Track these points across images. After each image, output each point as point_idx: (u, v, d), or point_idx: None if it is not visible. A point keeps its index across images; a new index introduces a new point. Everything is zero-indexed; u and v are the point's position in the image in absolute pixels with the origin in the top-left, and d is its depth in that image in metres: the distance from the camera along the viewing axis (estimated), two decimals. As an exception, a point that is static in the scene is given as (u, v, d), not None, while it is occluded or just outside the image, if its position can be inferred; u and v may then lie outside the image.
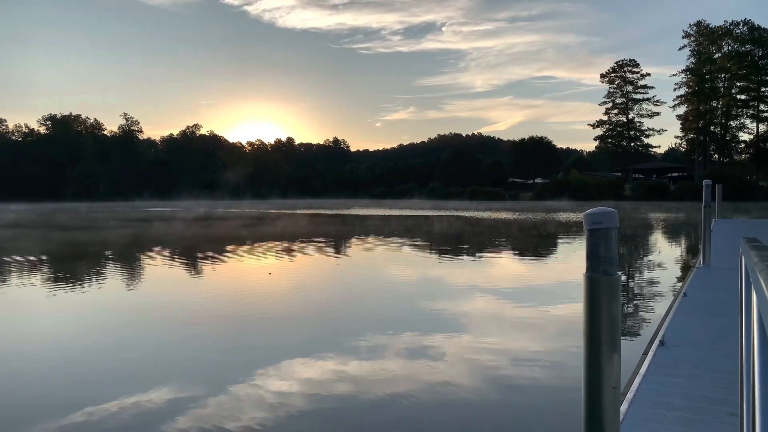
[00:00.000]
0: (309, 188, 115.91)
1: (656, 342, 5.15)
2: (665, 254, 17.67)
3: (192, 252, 18.36)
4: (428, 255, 17.30)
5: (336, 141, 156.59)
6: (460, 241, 21.54)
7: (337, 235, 24.78)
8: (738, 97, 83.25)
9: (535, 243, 21.17)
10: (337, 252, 18.33)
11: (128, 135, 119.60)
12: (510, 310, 8.83)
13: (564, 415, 4.56)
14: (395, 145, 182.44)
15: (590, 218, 2.09)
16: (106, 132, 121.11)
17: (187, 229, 28.83)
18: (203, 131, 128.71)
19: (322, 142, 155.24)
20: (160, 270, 14.48)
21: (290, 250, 18.63)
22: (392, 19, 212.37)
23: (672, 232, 26.60)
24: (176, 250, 18.92)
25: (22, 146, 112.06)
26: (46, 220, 40.68)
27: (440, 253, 17.77)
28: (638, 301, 9.49)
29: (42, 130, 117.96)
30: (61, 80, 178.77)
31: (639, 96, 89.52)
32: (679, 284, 10.02)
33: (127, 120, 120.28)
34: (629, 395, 3.86)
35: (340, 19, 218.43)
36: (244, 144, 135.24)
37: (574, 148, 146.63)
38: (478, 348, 6.56)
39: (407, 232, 25.94)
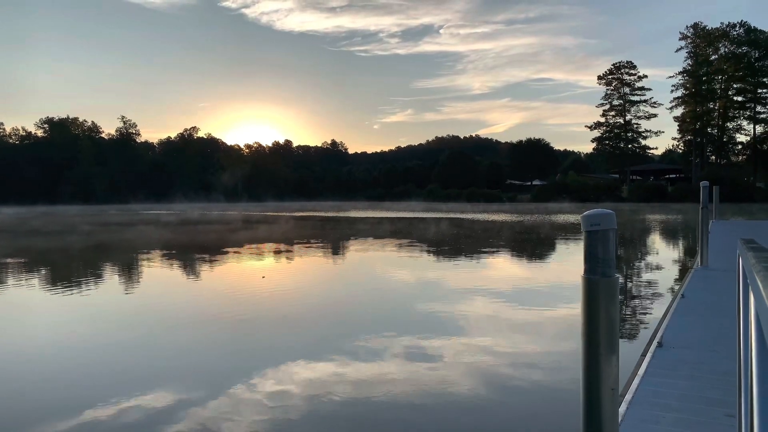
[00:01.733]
0: (306, 190, 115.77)
1: (654, 343, 5.15)
2: (663, 255, 17.70)
3: (162, 257, 18.16)
4: (416, 259, 17.30)
5: (334, 143, 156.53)
6: (452, 244, 21.54)
7: (324, 239, 24.76)
8: (735, 98, 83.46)
9: (532, 245, 21.19)
10: (320, 256, 18.31)
11: (126, 137, 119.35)
12: (508, 313, 8.83)
13: (563, 417, 4.56)
14: (393, 147, 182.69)
15: (588, 220, 2.10)
16: (103, 135, 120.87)
17: (163, 234, 28.33)
18: (201, 134, 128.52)
19: (320, 145, 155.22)
20: (114, 278, 14.39)
21: (269, 255, 18.60)
22: (390, 21, 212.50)
23: (669, 234, 26.64)
24: (137, 257, 18.25)
25: (19, 149, 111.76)
26: (20, 224, 39.61)
27: (431, 256, 17.78)
28: (636, 303, 9.50)
29: (39, 133, 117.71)
30: (58, 83, 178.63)
31: (636, 98, 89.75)
32: (677, 285, 10.03)
33: (124, 123, 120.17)
34: (627, 396, 3.86)
35: (338, 21, 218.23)
36: (242, 146, 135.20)
37: (571, 150, 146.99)
38: (474, 350, 6.56)
39: (397, 235, 25.94)
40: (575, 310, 8.29)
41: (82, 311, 9.61)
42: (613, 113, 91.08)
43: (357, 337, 7.32)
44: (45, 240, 25.87)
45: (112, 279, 13.63)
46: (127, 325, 8.46)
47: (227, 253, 18.82)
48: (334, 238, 25.01)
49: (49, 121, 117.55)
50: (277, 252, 18.99)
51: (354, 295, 10.93)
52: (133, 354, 6.77)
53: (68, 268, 15.96)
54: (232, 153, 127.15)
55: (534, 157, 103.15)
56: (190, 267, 15.85)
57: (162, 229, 32.62)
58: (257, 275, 13.47)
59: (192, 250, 20.00)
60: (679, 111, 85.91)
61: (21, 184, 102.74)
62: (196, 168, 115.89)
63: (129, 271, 15.20)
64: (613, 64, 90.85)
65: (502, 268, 14.88)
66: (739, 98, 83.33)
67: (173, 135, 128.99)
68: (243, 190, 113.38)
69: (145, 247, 21.57)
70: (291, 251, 19.08)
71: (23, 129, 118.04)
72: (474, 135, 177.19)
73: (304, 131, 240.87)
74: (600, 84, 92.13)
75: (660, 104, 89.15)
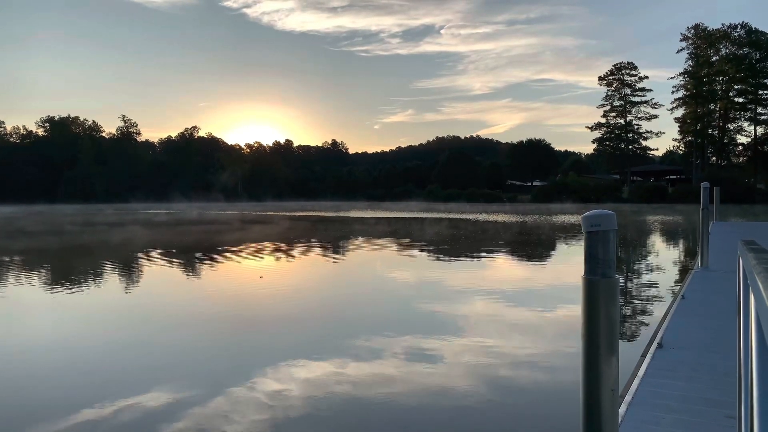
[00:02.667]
0: (307, 190, 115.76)
1: (654, 344, 5.15)
2: (663, 256, 17.69)
3: (142, 259, 17.73)
4: (410, 260, 17.29)
5: (334, 143, 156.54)
6: (447, 245, 21.52)
7: (316, 240, 24.72)
8: (735, 99, 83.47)
9: (532, 246, 21.19)
10: (309, 257, 18.26)
11: (126, 137, 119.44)
12: (507, 314, 8.83)
13: (562, 418, 4.56)
14: (393, 148, 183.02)
15: (588, 221, 2.09)
16: (104, 134, 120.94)
17: (150, 234, 27.83)
18: (201, 133, 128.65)
19: (320, 144, 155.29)
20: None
21: (257, 256, 18.57)
22: (391, 21, 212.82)
23: (670, 235, 26.64)
24: (110, 258, 17.80)
25: (20, 148, 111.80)
26: (6, 224, 38.47)
27: (425, 258, 17.77)
28: (636, 304, 9.50)
29: (40, 132, 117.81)
30: (59, 82, 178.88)
31: (637, 99, 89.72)
32: (677, 286, 10.02)
33: (125, 122, 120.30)
34: (627, 397, 3.86)
35: (339, 21, 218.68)
36: (243, 146, 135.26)
37: (572, 151, 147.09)
38: (471, 350, 6.56)
39: (391, 235, 25.92)
40: (575, 311, 8.29)
41: (47, 314, 9.62)
42: (613, 114, 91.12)
43: (351, 337, 7.31)
44: (23, 241, 24.87)
45: (76, 282, 13.28)
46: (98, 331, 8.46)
47: (211, 253, 18.49)
48: (326, 238, 24.72)
49: (50, 120, 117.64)
50: (263, 253, 18.89)
51: (348, 296, 10.92)
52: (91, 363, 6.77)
53: (33, 270, 15.28)
54: (232, 153, 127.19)
55: (534, 158, 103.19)
56: (168, 269, 15.22)
57: (151, 229, 32.03)
58: (237, 277, 13.46)
59: (175, 251, 19.39)
60: (679, 112, 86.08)
61: (21, 183, 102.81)
62: (196, 167, 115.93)
63: (99, 273, 14.52)
64: (614, 65, 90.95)
65: (500, 269, 14.87)
66: (740, 99, 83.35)
67: (174, 134, 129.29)
68: (243, 190, 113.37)
69: (122, 247, 20.98)
70: (279, 253, 19.05)
71: (24, 128, 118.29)
72: (474, 135, 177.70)
73: (305, 131, 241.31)
74: (601, 85, 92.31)
75: (661, 105, 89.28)
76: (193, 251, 19.32)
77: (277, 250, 19.32)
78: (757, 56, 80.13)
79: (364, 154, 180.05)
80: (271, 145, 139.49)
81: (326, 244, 21.72)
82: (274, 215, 49.01)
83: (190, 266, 15.76)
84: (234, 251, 19.08)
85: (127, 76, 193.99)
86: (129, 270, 15.09)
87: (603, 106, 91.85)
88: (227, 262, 16.35)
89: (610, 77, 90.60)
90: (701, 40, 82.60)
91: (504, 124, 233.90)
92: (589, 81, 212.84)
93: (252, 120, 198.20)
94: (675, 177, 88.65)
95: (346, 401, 4.97)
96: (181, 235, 27.80)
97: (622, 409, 3.63)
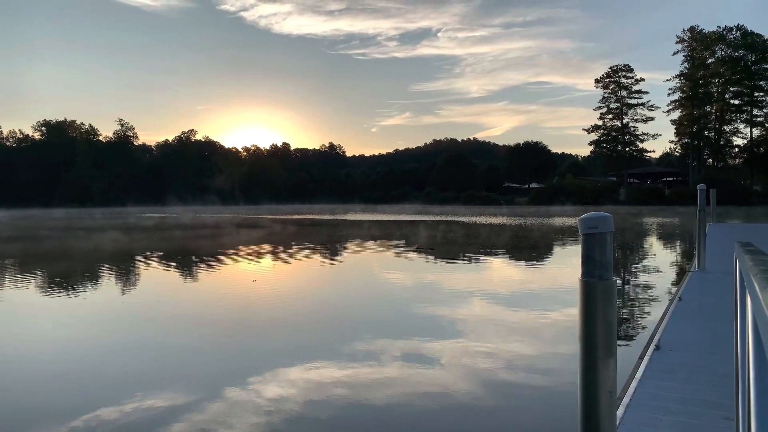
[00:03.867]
0: (304, 193, 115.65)
1: (652, 346, 5.16)
2: (660, 258, 17.71)
3: (98, 268, 17.38)
4: (393, 264, 17.28)
5: (332, 146, 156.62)
6: (438, 247, 21.51)
7: (298, 244, 24.67)
8: (731, 101, 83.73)
9: (530, 249, 21.22)
10: (276, 264, 18.22)
11: (123, 140, 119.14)
12: (503, 317, 8.83)
13: (560, 420, 4.56)
14: (391, 150, 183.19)
15: (585, 223, 2.10)
16: (101, 137, 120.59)
17: (128, 239, 27.14)
18: (198, 136, 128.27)
19: (317, 147, 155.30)
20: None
21: (205, 266, 18.51)
22: (388, 25, 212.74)
23: (667, 237, 26.67)
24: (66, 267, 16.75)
25: (17, 152, 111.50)
26: None
27: (411, 261, 17.76)
28: (634, 306, 9.51)
29: (37, 135, 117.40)
30: (56, 86, 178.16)
31: (633, 101, 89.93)
32: (675, 288, 10.04)
33: (122, 125, 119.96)
34: (625, 399, 3.86)
35: (336, 25, 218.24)
36: (240, 149, 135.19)
37: (569, 153, 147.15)
38: (461, 352, 6.56)
39: (380, 239, 25.89)
40: (572, 313, 8.29)
41: None
42: (610, 116, 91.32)
43: (347, 339, 7.31)
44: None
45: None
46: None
47: (177, 260, 18.23)
48: (315, 242, 24.57)
49: (47, 123, 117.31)
50: (254, 258, 18.82)
51: (341, 299, 10.92)
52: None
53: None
54: (229, 156, 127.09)
55: (531, 160, 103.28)
56: (126, 278, 14.33)
57: (130, 234, 30.75)
58: (229, 282, 13.43)
59: (144, 259, 18.32)
60: (676, 114, 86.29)
61: (18, 186, 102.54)
62: (193, 171, 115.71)
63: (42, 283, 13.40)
64: (611, 68, 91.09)
65: (496, 271, 14.88)
66: (736, 101, 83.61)
67: (171, 138, 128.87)
68: (240, 193, 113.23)
69: (90, 254, 20.20)
70: (269, 256, 19.02)
71: (20, 132, 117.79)
72: (472, 138, 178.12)
73: (302, 134, 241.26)
74: (597, 87, 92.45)
75: (657, 107, 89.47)
76: (171, 257, 19.17)
77: (265, 255, 19.29)
78: (753, 58, 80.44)
79: (362, 156, 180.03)
80: (268, 148, 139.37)
81: (315, 249, 21.65)
82: (266, 219, 48.30)
83: (162, 273, 15.65)
84: (219, 256, 19.00)
85: (123, 79, 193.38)
86: (75, 280, 14.29)
87: (599, 108, 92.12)
88: (215, 267, 16.31)
89: (607, 80, 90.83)
90: (697, 42, 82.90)
91: (501, 127, 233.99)
92: (586, 83, 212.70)
93: (249, 123, 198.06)
94: (672, 179, 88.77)
95: (344, 403, 4.96)
96: (164, 240, 26.59)
97: (619, 412, 3.64)
